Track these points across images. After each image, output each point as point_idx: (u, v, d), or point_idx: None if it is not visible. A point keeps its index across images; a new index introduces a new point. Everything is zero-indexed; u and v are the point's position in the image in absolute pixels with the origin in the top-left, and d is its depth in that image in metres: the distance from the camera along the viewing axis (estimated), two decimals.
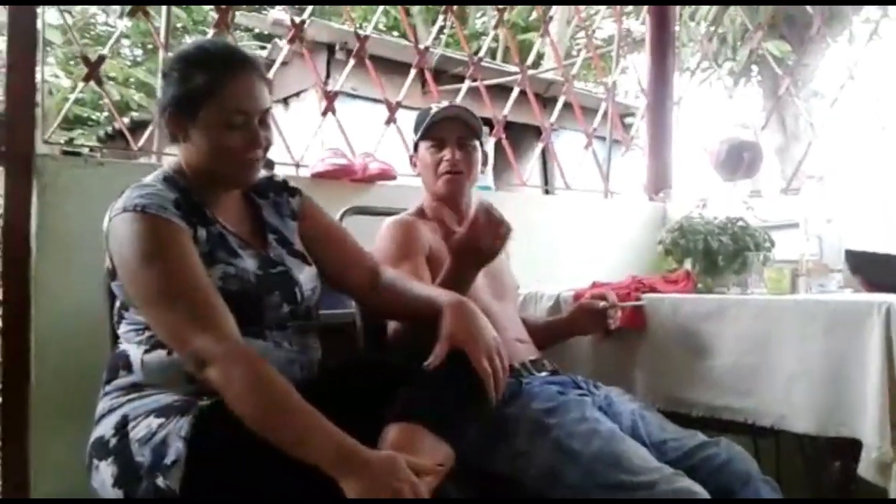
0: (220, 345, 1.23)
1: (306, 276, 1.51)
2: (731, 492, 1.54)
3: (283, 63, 2.55)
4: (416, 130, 1.97)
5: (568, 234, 2.80)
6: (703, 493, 1.43)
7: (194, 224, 1.36)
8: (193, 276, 1.29)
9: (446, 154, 1.90)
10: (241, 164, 1.41)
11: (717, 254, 2.11)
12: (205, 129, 1.38)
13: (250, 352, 1.26)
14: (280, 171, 2.21)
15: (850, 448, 1.67)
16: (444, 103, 1.95)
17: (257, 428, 1.17)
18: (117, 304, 1.43)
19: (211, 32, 2.43)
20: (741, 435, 1.90)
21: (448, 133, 1.91)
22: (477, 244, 1.61)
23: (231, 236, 1.43)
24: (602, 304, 1.99)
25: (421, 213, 1.98)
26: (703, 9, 7.17)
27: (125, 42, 10.71)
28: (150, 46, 10.46)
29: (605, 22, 5.64)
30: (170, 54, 2.19)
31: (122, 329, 1.41)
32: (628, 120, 5.01)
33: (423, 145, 1.94)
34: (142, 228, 1.30)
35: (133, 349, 1.37)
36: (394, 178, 2.41)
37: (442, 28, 5.86)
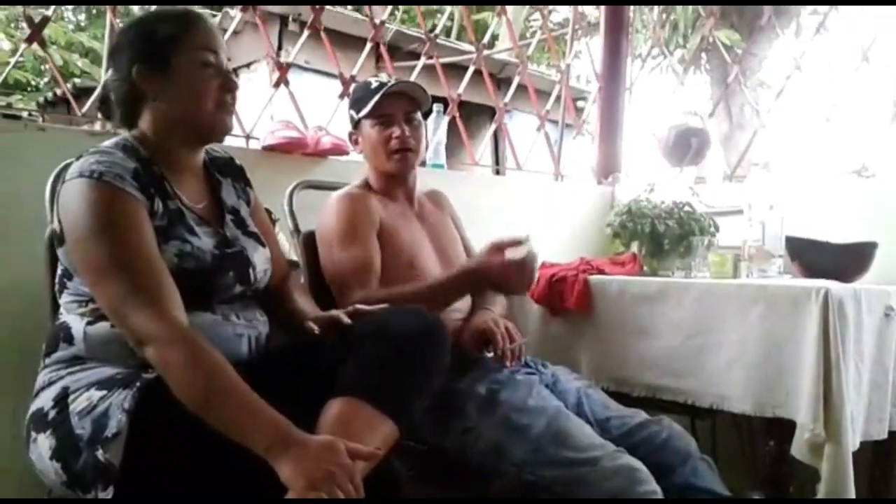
0: (160, 324, 1.20)
1: (260, 256, 1.49)
2: (670, 469, 1.59)
3: (235, 32, 2.49)
4: (355, 107, 1.90)
5: (518, 215, 2.81)
6: (644, 470, 1.48)
7: (152, 195, 1.33)
8: (142, 251, 1.26)
9: (395, 131, 1.85)
10: (219, 107, 1.41)
11: (662, 237, 2.16)
12: (181, 74, 1.38)
13: (190, 333, 1.23)
14: (230, 143, 2.17)
15: (785, 428, 1.73)
16: (383, 76, 1.91)
17: (194, 409, 1.16)
18: (59, 271, 1.38)
19: None
20: (680, 414, 1.94)
21: (395, 109, 1.86)
22: (505, 280, 1.71)
23: (189, 213, 1.40)
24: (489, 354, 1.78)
25: (367, 186, 1.94)
26: None
27: (68, 6, 10.36)
28: (94, 11, 10.14)
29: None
30: (118, 21, 2.14)
31: (64, 299, 1.37)
32: (580, 104, 5.05)
33: (369, 122, 1.88)
34: (96, 197, 1.26)
35: (75, 321, 1.33)
36: (346, 153, 2.38)
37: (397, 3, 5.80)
